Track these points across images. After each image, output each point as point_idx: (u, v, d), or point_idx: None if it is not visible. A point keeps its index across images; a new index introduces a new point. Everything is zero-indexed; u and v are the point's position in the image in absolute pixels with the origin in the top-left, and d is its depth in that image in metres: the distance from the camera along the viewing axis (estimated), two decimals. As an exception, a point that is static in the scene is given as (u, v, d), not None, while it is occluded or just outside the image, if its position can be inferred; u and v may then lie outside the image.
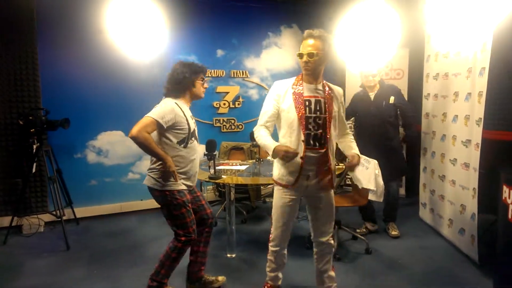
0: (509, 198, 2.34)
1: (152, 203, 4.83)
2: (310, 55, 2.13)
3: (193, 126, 2.60)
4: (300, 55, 2.19)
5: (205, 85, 2.72)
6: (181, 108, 2.54)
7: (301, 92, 2.21)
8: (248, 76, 5.26)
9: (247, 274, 3.09)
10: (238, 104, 5.23)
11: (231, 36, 5.11)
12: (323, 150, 2.21)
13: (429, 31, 4.02)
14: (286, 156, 2.07)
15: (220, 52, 5.09)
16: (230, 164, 3.85)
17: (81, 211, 4.44)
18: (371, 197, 3.11)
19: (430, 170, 4.04)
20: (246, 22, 5.15)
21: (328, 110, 2.20)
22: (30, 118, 3.80)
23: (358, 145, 2.45)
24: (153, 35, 2.97)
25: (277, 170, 2.34)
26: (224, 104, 5.14)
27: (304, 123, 2.16)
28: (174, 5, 4.58)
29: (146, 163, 4.75)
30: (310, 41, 2.15)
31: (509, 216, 2.31)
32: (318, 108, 2.19)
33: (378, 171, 2.95)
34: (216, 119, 5.12)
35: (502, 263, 2.57)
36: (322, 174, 2.26)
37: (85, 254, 3.49)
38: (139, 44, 2.98)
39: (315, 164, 2.23)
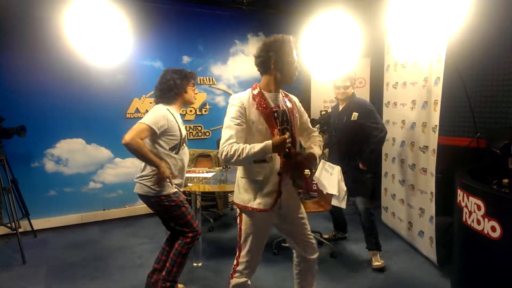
0: (463, 201, 2.47)
1: (115, 213, 4.73)
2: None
3: (184, 132, 2.65)
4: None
5: (196, 91, 2.79)
6: (173, 115, 2.58)
7: (265, 102, 2.03)
8: (215, 83, 5.25)
9: (214, 283, 3.06)
10: (205, 111, 5.20)
11: (197, 43, 5.09)
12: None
13: (389, 41, 4.19)
14: (285, 144, 1.87)
15: (186, 59, 5.05)
16: (197, 171, 3.82)
17: (39, 223, 4.23)
18: (333, 202, 3.18)
19: (391, 175, 4.18)
20: (213, 29, 5.15)
21: (292, 120, 2.10)
22: (-17, 125, 3.60)
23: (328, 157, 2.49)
24: (116, 40, 2.90)
25: (247, 193, 2.04)
26: (191, 111, 5.10)
27: (278, 136, 1.95)
28: (139, 10, 4.51)
29: (108, 171, 4.64)
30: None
31: (464, 218, 2.44)
32: (285, 119, 2.06)
33: (341, 176, 3.03)
34: (182, 126, 5.06)
35: (458, 263, 2.70)
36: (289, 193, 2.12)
37: (43, 268, 3.32)
38: (101, 50, 2.89)
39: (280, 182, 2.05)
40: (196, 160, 4.67)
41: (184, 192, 4.42)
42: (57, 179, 4.40)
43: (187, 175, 3.56)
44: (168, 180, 2.50)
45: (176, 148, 2.58)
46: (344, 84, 3.33)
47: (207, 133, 5.23)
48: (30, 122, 3.94)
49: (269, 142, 1.87)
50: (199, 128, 5.18)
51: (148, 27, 4.67)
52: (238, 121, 1.96)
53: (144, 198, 2.58)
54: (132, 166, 4.77)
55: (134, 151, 2.38)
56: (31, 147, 4.21)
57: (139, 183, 2.56)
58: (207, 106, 5.21)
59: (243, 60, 5.41)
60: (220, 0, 4.99)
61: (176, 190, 2.60)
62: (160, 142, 2.51)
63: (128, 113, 4.69)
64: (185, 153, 2.69)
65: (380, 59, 4.54)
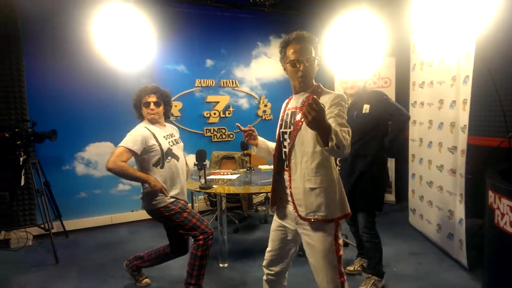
0: (494, 202, 2.39)
1: (143, 214, 4.81)
2: (309, 61, 1.78)
3: (166, 145, 2.65)
4: (294, 63, 1.79)
5: (151, 107, 2.70)
6: (150, 131, 2.64)
7: (287, 104, 1.96)
8: (238, 85, 5.29)
9: (240, 283, 3.08)
10: (229, 113, 5.25)
11: (220, 46, 5.15)
12: (286, 171, 1.88)
13: (414, 40, 4.11)
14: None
15: (209, 62, 5.11)
16: (221, 173, 3.86)
17: (70, 224, 4.38)
18: None
19: (418, 176, 4.10)
20: (235, 32, 5.19)
21: (296, 122, 1.82)
22: (16, 130, 3.75)
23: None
24: (141, 45, 2.96)
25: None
26: (215, 113, 5.15)
27: (277, 139, 1.93)
28: (162, 15, 4.60)
29: (136, 174, 4.74)
30: (303, 45, 1.80)
31: (495, 220, 2.36)
32: (292, 122, 1.85)
33: None
34: (206, 129, 5.12)
35: (490, 266, 2.61)
36: (285, 201, 1.92)
37: (75, 268, 3.43)
38: (127, 54, 2.97)
39: (283, 187, 1.91)
40: (220, 162, 4.71)
41: (209, 194, 4.52)
42: (87, 182, 4.54)
43: (211, 177, 3.61)
44: (162, 191, 2.57)
45: (159, 163, 2.62)
46: (352, 78, 2.92)
47: (231, 135, 5.27)
48: (60, 126, 4.08)
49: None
50: (223, 131, 5.22)
51: (171, 32, 4.76)
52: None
53: (148, 213, 2.69)
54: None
55: (118, 174, 2.50)
56: (62, 150, 4.36)
57: (141, 199, 2.69)
58: (231, 109, 5.25)
59: (266, 62, 5.42)
60: (242, 3, 5.02)
61: (173, 199, 2.64)
62: (144, 160, 2.60)
63: (154, 117, 4.78)
64: (172, 166, 2.68)
65: (405, 58, 4.46)
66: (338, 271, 1.78)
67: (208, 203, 4.74)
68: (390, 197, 5.30)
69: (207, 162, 4.03)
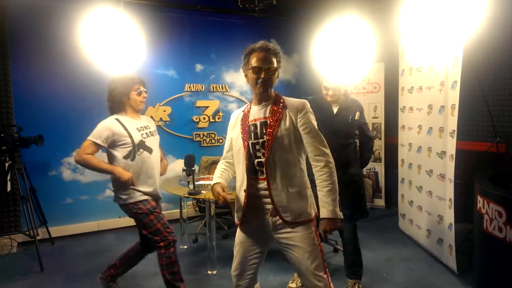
0: (483, 207, 2.40)
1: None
2: (270, 71, 1.85)
3: (139, 137, 2.61)
4: (257, 70, 1.84)
5: (143, 95, 2.71)
6: (121, 123, 2.60)
7: (248, 116, 1.95)
8: (228, 90, 5.27)
9: (229, 291, 3.04)
10: (218, 118, 5.22)
11: (210, 51, 5.13)
12: (264, 181, 1.85)
13: (403, 45, 4.14)
14: (217, 198, 1.88)
15: (199, 67, 5.09)
16: (211, 179, 3.81)
17: (57, 231, 4.29)
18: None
19: (407, 181, 4.11)
20: (225, 37, 5.18)
21: (268, 132, 1.83)
22: (2, 135, 3.67)
23: None
24: (130, 49, 2.93)
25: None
26: (204, 118, 5.12)
27: (246, 151, 1.88)
28: (152, 19, 4.57)
29: (124, 179, 4.68)
30: (267, 55, 1.86)
31: (484, 225, 2.37)
32: (264, 132, 1.85)
33: None
34: (196, 134, 5.09)
35: (479, 271, 2.62)
36: (260, 212, 1.89)
37: (61, 276, 3.36)
38: (116, 59, 2.93)
39: (258, 197, 1.88)
40: (209, 167, 4.67)
41: (198, 200, 4.47)
42: (73, 187, 4.46)
43: (201, 182, 3.57)
44: (129, 183, 2.51)
45: (130, 156, 2.57)
46: (335, 84, 2.89)
47: (221, 140, 5.24)
48: (47, 131, 4.00)
49: (212, 182, 1.98)
50: (213, 135, 5.19)
51: (161, 36, 4.72)
52: (228, 137, 2.08)
53: (120, 207, 2.67)
54: (146, 174, 4.80)
55: (84, 165, 2.53)
56: (49, 156, 4.28)
57: (113, 192, 2.66)
58: (220, 114, 5.22)
59: (256, 67, 5.40)
60: (232, 8, 5.02)
61: (145, 198, 2.60)
62: (113, 152, 2.57)
63: (143, 121, 4.73)
64: (145, 159, 2.62)
65: (394, 63, 4.49)
66: (323, 266, 1.87)
67: (197, 209, 4.69)
68: (380, 202, 5.31)
69: (196, 168, 3.99)
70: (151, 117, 4.77)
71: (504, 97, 3.62)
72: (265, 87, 1.86)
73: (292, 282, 3.04)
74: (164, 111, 4.84)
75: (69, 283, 3.22)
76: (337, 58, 2.71)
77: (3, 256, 3.78)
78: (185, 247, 4.02)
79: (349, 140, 2.89)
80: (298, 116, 1.85)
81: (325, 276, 1.85)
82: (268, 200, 1.85)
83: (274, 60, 1.88)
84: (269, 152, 1.82)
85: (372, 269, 3.36)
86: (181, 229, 4.09)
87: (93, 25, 2.73)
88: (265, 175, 1.83)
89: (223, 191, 1.89)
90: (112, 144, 2.55)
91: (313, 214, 1.90)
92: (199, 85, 5.06)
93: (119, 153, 2.56)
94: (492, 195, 2.31)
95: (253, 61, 1.87)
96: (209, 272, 3.35)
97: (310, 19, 5.32)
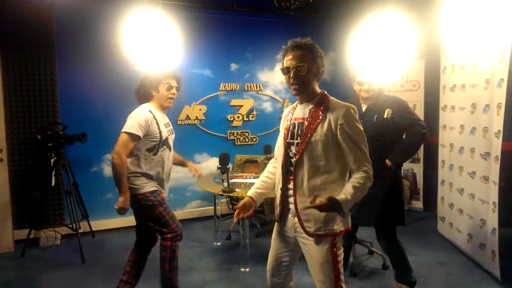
0: (532, 212, 2.26)
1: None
2: (298, 68, 1.74)
3: (165, 134, 2.59)
4: (286, 70, 1.79)
5: (173, 91, 2.65)
6: (154, 115, 2.56)
7: (292, 114, 1.90)
8: (262, 89, 5.28)
9: (262, 289, 3.05)
10: (252, 117, 5.24)
11: (244, 50, 5.16)
12: (290, 180, 1.81)
13: (444, 42, 3.98)
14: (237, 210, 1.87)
15: (234, 66, 5.13)
16: (244, 177, 3.84)
17: (97, 224, 4.47)
18: None
19: (448, 183, 3.95)
20: (259, 36, 5.19)
21: (303, 134, 1.76)
22: (48, 132, 3.88)
23: None
24: (168, 49, 3.00)
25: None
26: (238, 117, 5.16)
27: (284, 149, 1.84)
28: (189, 20, 4.65)
29: (160, 176, 4.80)
30: (296, 52, 1.77)
31: (533, 232, 2.23)
32: (300, 133, 1.79)
33: None
34: (230, 132, 5.14)
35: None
36: (286, 211, 1.87)
37: (100, 268, 3.50)
38: (155, 59, 3.02)
39: (286, 196, 1.85)
40: (243, 166, 4.70)
41: (232, 198, 4.52)
42: (114, 183, 4.60)
43: (235, 180, 3.60)
44: (122, 211, 2.48)
45: (154, 150, 2.53)
46: (371, 81, 2.78)
47: (254, 139, 5.26)
48: (90, 129, 4.17)
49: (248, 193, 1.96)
50: (246, 134, 5.22)
51: (197, 36, 4.80)
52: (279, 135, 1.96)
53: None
54: (182, 171, 4.88)
55: (115, 169, 2.43)
56: (91, 152, 4.47)
57: None
58: (254, 112, 5.24)
59: (290, 66, 5.38)
60: (267, 7, 5.02)
61: (155, 189, 2.57)
62: (138, 144, 2.50)
63: (179, 120, 4.84)
64: (164, 155, 2.60)
65: (435, 60, 4.33)
66: (336, 283, 1.74)
67: (231, 206, 4.74)
68: (418, 204, 5.14)
69: (230, 166, 4.02)
70: (188, 116, 4.87)
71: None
72: (297, 87, 1.77)
73: None
74: (200, 110, 4.92)
75: (108, 274, 3.35)
76: (375, 55, 2.64)
77: (48, 248, 4.00)
78: (219, 244, 4.07)
79: (380, 140, 2.70)
80: (339, 123, 1.69)
81: None
82: (293, 199, 1.80)
83: (307, 55, 1.75)
84: (299, 155, 1.75)
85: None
86: (215, 226, 4.14)
87: (133, 26, 2.82)
88: (294, 176, 1.78)
89: (244, 208, 1.88)
90: (144, 137, 2.51)
91: (338, 231, 1.75)
92: (233, 84, 5.11)
93: (143, 145, 2.52)
94: (542, 199, 2.18)
95: (284, 61, 1.81)
96: (242, 269, 3.38)
97: (347, 15, 5.21)
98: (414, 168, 5.14)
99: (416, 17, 3.52)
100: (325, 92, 1.84)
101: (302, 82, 1.76)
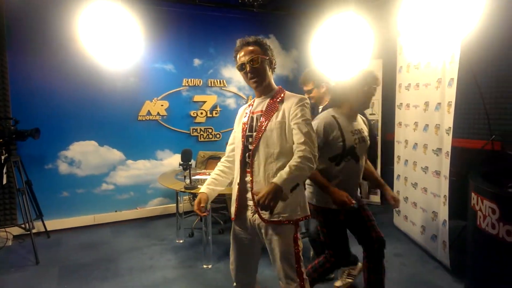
0: (477, 204, 2.42)
1: (127, 214, 4.76)
2: (252, 62, 1.81)
3: (351, 142, 2.27)
4: (241, 67, 1.84)
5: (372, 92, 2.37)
6: (337, 121, 2.30)
7: (251, 109, 1.94)
8: (226, 85, 5.27)
9: (224, 285, 3.05)
10: (216, 113, 5.22)
11: (208, 45, 5.12)
12: (249, 173, 1.83)
13: (401, 42, 4.14)
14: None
15: (197, 61, 5.08)
16: (207, 173, 3.82)
17: (52, 224, 4.29)
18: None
19: (403, 178, 4.13)
20: (224, 32, 5.17)
21: (260, 124, 1.83)
22: (-2, 127, 3.67)
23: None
24: (129, 43, 2.92)
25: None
26: (202, 113, 5.12)
27: (243, 143, 1.87)
28: (151, 14, 4.55)
29: (120, 173, 4.69)
30: (249, 48, 1.84)
31: (478, 222, 2.39)
32: (258, 124, 1.85)
33: None
34: (193, 128, 5.09)
35: (472, 268, 2.65)
36: (244, 207, 1.89)
37: (56, 269, 3.36)
38: (114, 52, 2.92)
39: (244, 191, 1.87)
40: (206, 162, 4.68)
41: (194, 194, 4.48)
42: (70, 181, 4.46)
43: (197, 177, 3.58)
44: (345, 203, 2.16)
45: (336, 159, 2.26)
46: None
47: (218, 135, 5.24)
48: (44, 124, 4.00)
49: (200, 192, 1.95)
50: (210, 130, 5.19)
51: (159, 30, 4.71)
52: (234, 129, 2.03)
53: None
54: (143, 168, 4.81)
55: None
56: (45, 149, 4.28)
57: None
58: (218, 109, 5.22)
59: (254, 63, 5.40)
60: (231, 2, 5.00)
61: (337, 208, 2.24)
62: (322, 149, 2.27)
63: (140, 116, 4.73)
64: (350, 167, 2.28)
65: (392, 60, 4.50)
66: (296, 271, 1.79)
67: (193, 203, 4.69)
68: (376, 199, 5.34)
69: (192, 162, 3.99)
70: (149, 111, 4.76)
71: (500, 95, 3.64)
72: (256, 79, 1.83)
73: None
74: (162, 105, 4.83)
75: (64, 275, 3.23)
76: (335, 54, 2.71)
77: (-1, 249, 3.79)
78: (181, 241, 4.03)
79: None
80: (292, 109, 1.78)
81: (297, 279, 1.79)
82: (251, 196, 1.81)
83: (258, 49, 1.83)
84: (256, 143, 1.80)
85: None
86: (177, 224, 4.10)
87: (91, 18, 2.72)
88: (250, 168, 1.82)
89: (201, 204, 1.88)
90: (325, 144, 2.27)
91: (297, 217, 1.80)
92: (197, 80, 5.06)
93: (326, 153, 2.28)
94: (486, 192, 2.33)
95: (238, 59, 1.87)
96: (204, 266, 3.37)
97: (309, 14, 5.30)
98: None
99: (375, 18, 3.65)
100: (281, 87, 1.93)
101: (259, 74, 1.83)
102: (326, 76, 2.92)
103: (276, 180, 1.62)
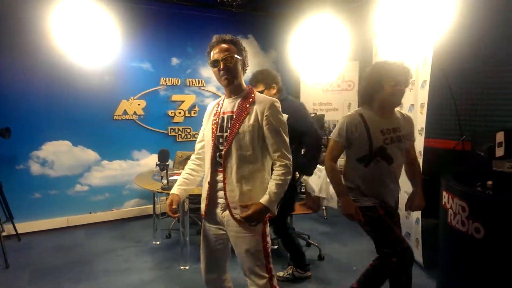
0: (448, 202, 2.50)
1: (102, 216, 4.66)
2: (226, 60, 1.80)
3: (380, 142, 2.16)
4: (214, 63, 1.84)
5: (399, 86, 2.20)
6: (364, 120, 2.20)
7: (221, 108, 1.93)
8: (204, 85, 5.24)
9: (201, 286, 3.02)
10: (194, 113, 5.18)
11: (186, 45, 5.07)
12: (221, 173, 1.85)
13: (377, 44, 4.22)
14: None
15: (175, 60, 5.03)
16: (185, 173, 3.78)
17: (23, 226, 4.15)
18: (326, 203, 3.18)
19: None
20: (202, 31, 5.13)
21: (232, 125, 1.83)
22: (-34, 126, 3.53)
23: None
24: (104, 41, 2.88)
25: None
26: (180, 113, 5.07)
27: (213, 142, 1.87)
28: (127, 11, 4.47)
29: (95, 174, 4.58)
30: (224, 45, 1.84)
31: (449, 219, 2.46)
32: (229, 126, 1.85)
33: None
34: (171, 128, 5.03)
35: (443, 264, 2.72)
36: (214, 205, 1.91)
37: (26, 272, 3.26)
38: (89, 50, 2.87)
39: (215, 190, 1.89)
40: (184, 162, 4.63)
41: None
42: (42, 182, 4.33)
43: (175, 177, 3.54)
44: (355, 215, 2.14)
45: (364, 160, 2.18)
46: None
47: (196, 135, 5.16)
48: (15, 123, 3.88)
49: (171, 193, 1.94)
50: (188, 130, 5.15)
51: (137, 29, 4.64)
52: (202, 126, 2.05)
53: None
54: (119, 169, 4.72)
55: (327, 174, 2.25)
56: (16, 149, 4.14)
57: None
58: (196, 108, 5.19)
59: (232, 63, 5.39)
60: (209, 2, 4.98)
61: (369, 205, 2.21)
62: (349, 150, 2.25)
63: (116, 115, 4.63)
64: (381, 168, 2.20)
65: (368, 62, 4.57)
66: (266, 268, 1.83)
67: (171, 204, 4.65)
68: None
69: (170, 162, 3.95)
70: (125, 111, 4.68)
71: (471, 96, 3.76)
72: (228, 77, 1.82)
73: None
74: (139, 104, 4.76)
75: (36, 279, 3.13)
76: (313, 55, 2.75)
77: (-34, 253, 3.64)
78: (158, 242, 3.98)
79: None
80: (265, 114, 1.80)
81: (267, 275, 1.82)
82: (222, 193, 1.84)
83: (233, 48, 1.84)
84: (228, 146, 1.81)
85: (344, 262, 3.44)
86: (154, 225, 4.04)
87: (65, 14, 2.66)
88: (223, 168, 1.83)
89: (173, 205, 1.88)
90: (350, 143, 2.23)
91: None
92: (175, 79, 5.01)
93: (353, 153, 2.24)
94: (456, 191, 2.41)
95: (211, 56, 1.87)
96: (182, 267, 3.34)
97: (288, 15, 5.34)
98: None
99: (351, 21, 3.72)
100: (251, 87, 1.96)
101: (231, 73, 1.83)
102: (277, 76, 2.89)
103: (264, 201, 1.73)
